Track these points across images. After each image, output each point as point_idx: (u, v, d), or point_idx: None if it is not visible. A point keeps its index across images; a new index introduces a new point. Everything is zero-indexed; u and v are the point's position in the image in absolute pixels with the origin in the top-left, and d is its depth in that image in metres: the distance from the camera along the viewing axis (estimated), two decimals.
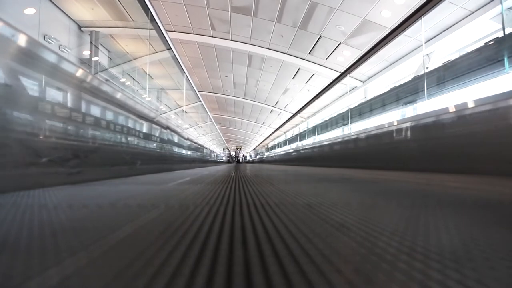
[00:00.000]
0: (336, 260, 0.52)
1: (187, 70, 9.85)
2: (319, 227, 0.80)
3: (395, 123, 4.13)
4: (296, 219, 0.89)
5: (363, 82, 9.75)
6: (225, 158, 30.37)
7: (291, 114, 15.60)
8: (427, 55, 6.85)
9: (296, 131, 15.89)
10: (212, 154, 18.44)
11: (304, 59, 9.65)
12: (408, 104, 5.34)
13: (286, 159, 13.85)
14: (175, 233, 0.72)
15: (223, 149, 36.45)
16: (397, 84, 6.37)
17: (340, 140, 6.81)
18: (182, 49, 10.47)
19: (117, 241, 0.67)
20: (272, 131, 21.26)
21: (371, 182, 2.40)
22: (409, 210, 1.07)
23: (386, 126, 4.38)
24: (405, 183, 2.27)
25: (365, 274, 0.47)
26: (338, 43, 7.98)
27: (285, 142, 16.06)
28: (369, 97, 9.36)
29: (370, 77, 9.28)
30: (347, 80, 9.51)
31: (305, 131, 12.76)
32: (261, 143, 29.02)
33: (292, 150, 12.98)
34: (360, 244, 0.62)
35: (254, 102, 16.79)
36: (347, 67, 8.42)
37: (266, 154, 23.45)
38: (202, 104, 14.17)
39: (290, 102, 15.11)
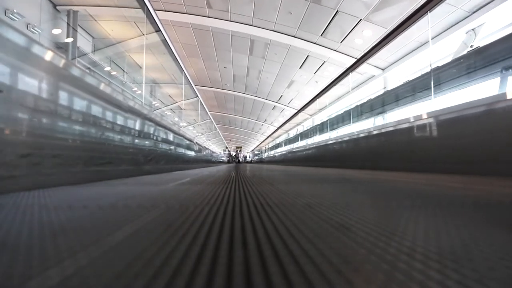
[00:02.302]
0: (336, 261, 0.52)
1: (181, 60, 8.56)
2: (319, 227, 0.79)
3: (413, 120, 3.74)
4: (296, 219, 0.88)
5: (383, 70, 8.48)
6: (225, 158, 29.86)
7: (295, 111, 14.43)
8: (473, 30, 5.57)
9: (299, 129, 15.15)
10: (212, 154, 17.32)
11: (314, 43, 8.35)
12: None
13: (286, 160, 13.39)
14: (175, 234, 0.72)
15: (224, 149, 35.80)
16: (424, 71, 5.17)
17: (346, 139, 6.32)
18: (175, 34, 9.20)
19: (117, 241, 0.66)
20: (274, 129, 20.13)
21: (370, 182, 2.35)
22: (409, 210, 1.05)
23: (400, 123, 4.08)
24: (405, 183, 2.22)
25: (365, 274, 0.47)
26: (358, 20, 6.68)
27: (287, 142, 15.39)
28: (389, 87, 8.11)
29: (392, 63, 8.00)
30: (364, 67, 8.29)
31: (308, 129, 11.97)
32: (261, 142, 28.35)
33: (293, 150, 12.50)
34: (360, 245, 0.62)
35: (255, 98, 15.53)
36: (366, 50, 7.16)
37: (267, 154, 22.94)
38: (199, 100, 12.88)
39: (295, 97, 13.84)
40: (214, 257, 0.54)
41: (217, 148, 31.07)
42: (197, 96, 11.75)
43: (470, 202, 1.28)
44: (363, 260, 0.53)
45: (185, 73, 8.95)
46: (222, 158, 27.48)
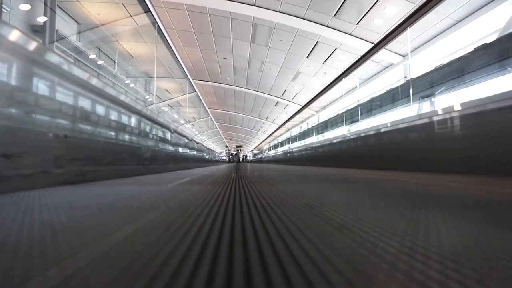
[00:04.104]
0: (336, 261, 0.52)
1: (177, 49, 7.54)
2: (319, 227, 0.78)
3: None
4: (297, 220, 0.88)
5: (404, 56, 7.47)
6: (226, 158, 29.74)
7: (300, 107, 13.46)
8: None
9: (302, 127, 14.59)
10: (212, 153, 16.38)
11: (326, 26, 7.32)
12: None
13: (288, 159, 13.11)
14: (175, 234, 0.71)
15: (225, 149, 35.44)
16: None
17: (353, 137, 5.93)
18: (168, 17, 8.19)
19: (117, 241, 0.65)
20: (276, 127, 19.24)
21: (370, 182, 2.32)
22: (409, 210, 1.04)
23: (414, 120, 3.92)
24: (405, 183, 2.20)
25: (365, 274, 0.46)
26: None
27: (289, 141, 14.81)
28: (411, 76, 7.09)
29: (416, 48, 7.00)
30: (381, 55, 7.29)
31: (311, 127, 11.46)
32: (263, 141, 27.82)
33: (295, 149, 12.16)
34: (360, 245, 0.62)
35: (257, 93, 14.53)
36: (387, 32, 6.16)
37: (268, 153, 22.65)
38: (197, 95, 11.88)
39: (300, 91, 12.83)
40: (214, 258, 0.54)
41: (217, 147, 30.45)
42: (195, 91, 10.80)
43: (471, 202, 1.28)
44: (363, 260, 0.52)
45: (179, 60, 7.97)
46: (223, 158, 27.28)
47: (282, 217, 0.91)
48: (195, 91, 11.75)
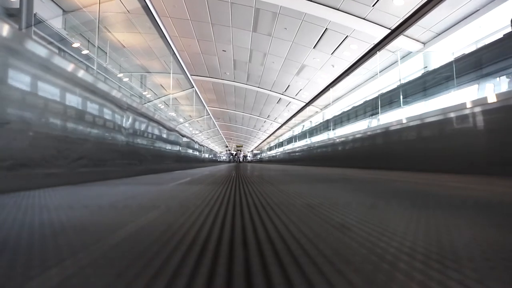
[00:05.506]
0: (336, 261, 0.51)
1: (172, 40, 6.84)
2: (319, 227, 0.78)
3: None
4: (297, 219, 0.87)
5: (424, 44, 6.69)
6: (225, 158, 29.51)
7: (303, 104, 12.71)
8: None
9: (305, 126, 14.17)
10: (211, 153, 15.59)
11: (337, 9, 6.57)
12: None
13: (289, 159, 12.87)
14: (176, 234, 0.71)
15: (225, 149, 35.11)
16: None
17: (358, 136, 5.68)
18: (161, 3, 7.44)
19: (117, 241, 0.65)
20: (277, 126, 18.52)
21: (370, 183, 2.32)
22: (409, 210, 1.03)
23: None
24: (405, 183, 2.20)
25: (366, 274, 0.45)
26: None
27: (291, 140, 14.36)
28: (431, 67, 6.33)
29: (439, 34, 6.22)
30: (398, 42, 6.51)
31: (315, 126, 11.22)
32: (263, 141, 27.22)
33: (297, 149, 11.79)
34: (360, 244, 0.61)
35: (258, 89, 13.76)
36: (410, 12, 5.40)
37: (268, 153, 22.46)
38: (196, 92, 11.05)
39: (305, 87, 12.05)
40: (214, 257, 0.53)
41: (217, 147, 29.89)
42: (193, 86, 9.99)
43: (471, 202, 1.27)
44: (363, 260, 0.51)
45: (175, 52, 7.18)
46: (223, 158, 26.84)
47: (282, 217, 0.91)
48: (193, 87, 10.95)
